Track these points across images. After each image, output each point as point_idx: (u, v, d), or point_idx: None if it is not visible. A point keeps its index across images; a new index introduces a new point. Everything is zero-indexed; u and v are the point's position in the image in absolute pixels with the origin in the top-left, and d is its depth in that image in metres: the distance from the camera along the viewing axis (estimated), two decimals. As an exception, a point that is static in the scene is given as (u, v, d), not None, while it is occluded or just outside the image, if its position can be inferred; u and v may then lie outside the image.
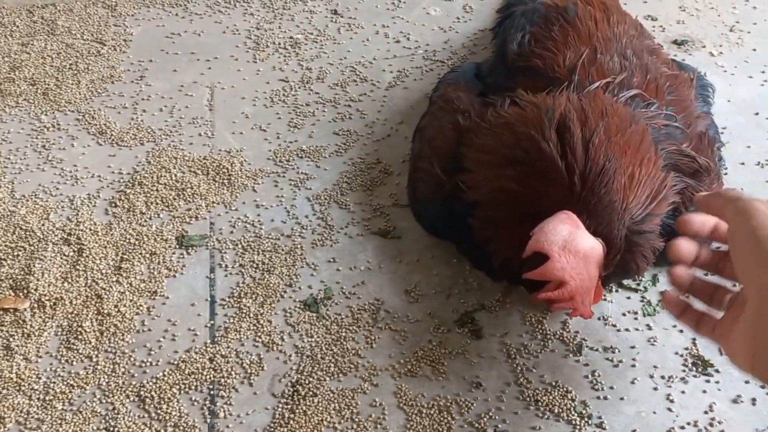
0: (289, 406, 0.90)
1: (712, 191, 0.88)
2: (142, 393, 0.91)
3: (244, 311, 1.00)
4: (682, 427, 0.87)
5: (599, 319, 0.98)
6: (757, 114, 1.26)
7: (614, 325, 0.98)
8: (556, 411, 0.89)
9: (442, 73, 1.36)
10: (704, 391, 0.91)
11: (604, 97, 0.95)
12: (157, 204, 1.14)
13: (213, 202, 1.15)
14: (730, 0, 1.51)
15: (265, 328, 0.98)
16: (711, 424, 0.87)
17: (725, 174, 1.14)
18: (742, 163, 1.18)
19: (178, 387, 0.92)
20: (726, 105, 1.28)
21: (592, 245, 0.83)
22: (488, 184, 0.94)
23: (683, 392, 0.91)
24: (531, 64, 1.08)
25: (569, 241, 0.81)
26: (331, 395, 0.91)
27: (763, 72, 1.34)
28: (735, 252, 0.69)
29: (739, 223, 0.67)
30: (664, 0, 1.52)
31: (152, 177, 1.18)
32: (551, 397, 0.90)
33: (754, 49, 1.39)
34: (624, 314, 0.99)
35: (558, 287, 0.82)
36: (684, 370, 0.93)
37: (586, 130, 0.89)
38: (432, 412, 0.89)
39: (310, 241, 1.09)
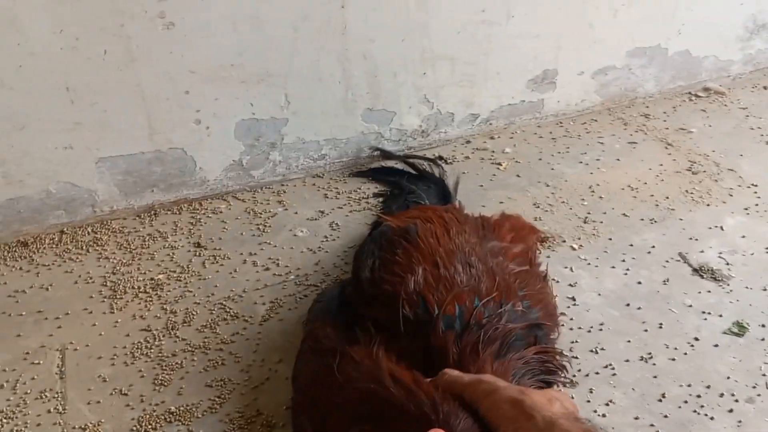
0: None
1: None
2: None
3: None
4: None
5: None
6: (628, 305, 1.29)
7: None
8: None
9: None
10: None
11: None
12: None
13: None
14: (578, 192, 1.61)
15: None
16: None
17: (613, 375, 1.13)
18: (627, 360, 1.18)
19: None
20: (597, 299, 1.31)
21: None
22: None
23: None
24: (383, 291, 1.06)
25: None
26: None
27: (623, 261, 1.40)
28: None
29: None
30: (519, 200, 1.59)
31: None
32: None
33: (610, 239, 1.46)
34: None
35: None
36: None
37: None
38: None
39: None
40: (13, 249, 1.44)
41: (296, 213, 1.57)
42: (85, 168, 1.44)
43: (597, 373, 1.15)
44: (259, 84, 1.52)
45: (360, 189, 1.65)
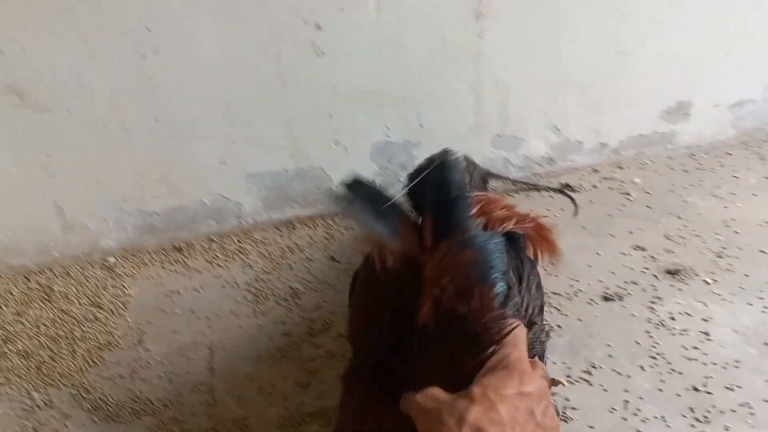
0: None
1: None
2: None
3: None
4: None
5: None
6: (766, 343, 1.25)
7: None
8: None
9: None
10: None
11: None
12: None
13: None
14: (712, 226, 1.58)
15: None
16: None
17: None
18: (766, 400, 1.14)
19: None
20: (733, 335, 1.27)
21: None
22: None
23: None
24: None
25: None
26: None
27: (761, 297, 1.36)
28: None
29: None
30: (649, 230, 1.58)
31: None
32: None
33: (746, 275, 1.42)
34: None
35: None
36: None
37: None
38: None
39: None
40: (169, 253, 1.58)
41: (424, 233, 1.63)
42: (235, 182, 1.57)
43: (733, 410, 1.13)
44: (396, 107, 1.60)
45: (486, 212, 1.68)
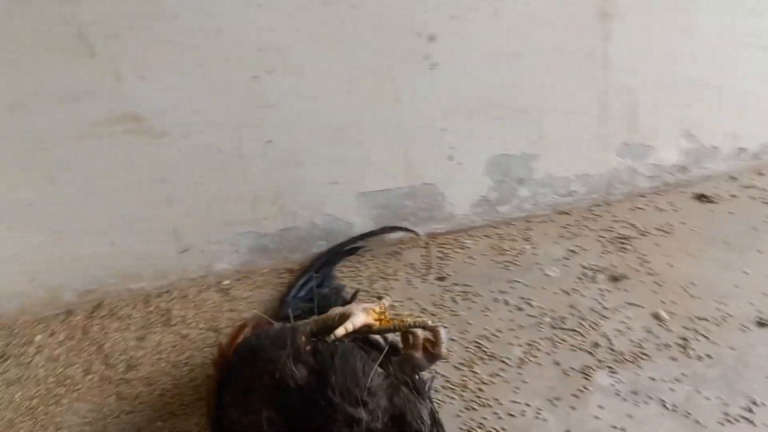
0: None
1: None
2: None
3: None
4: None
5: None
6: None
7: None
8: None
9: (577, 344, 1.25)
10: None
11: None
12: None
13: None
14: None
15: None
16: None
17: None
18: None
19: None
20: None
21: None
22: None
23: None
24: None
25: None
26: None
27: None
28: None
29: None
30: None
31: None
32: None
33: None
34: None
35: None
36: None
37: None
38: None
39: None
40: (282, 275, 1.55)
41: (544, 251, 1.53)
42: (346, 202, 1.53)
43: None
44: (513, 119, 1.51)
45: (612, 228, 1.57)
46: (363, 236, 1.57)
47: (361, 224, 1.56)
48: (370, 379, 0.96)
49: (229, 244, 1.52)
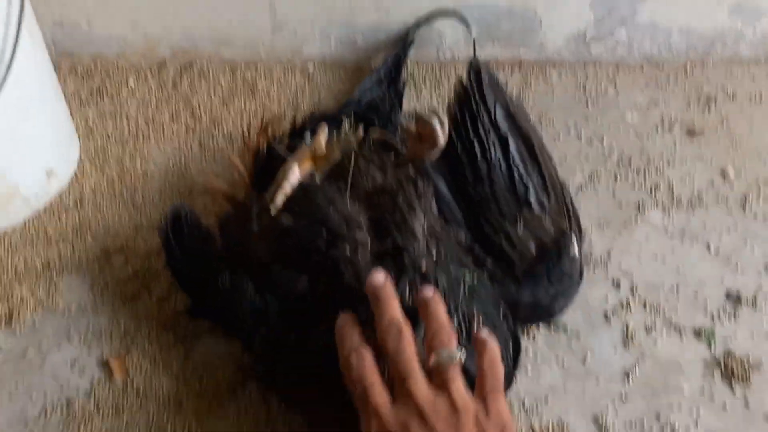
0: None
1: None
2: None
3: None
4: None
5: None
6: None
7: None
8: None
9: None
10: None
11: None
12: None
13: None
14: None
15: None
16: None
17: None
18: None
19: None
20: None
21: None
22: None
23: None
24: None
25: None
26: None
27: None
28: None
29: None
30: None
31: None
32: None
33: None
34: None
35: None
36: None
37: None
38: None
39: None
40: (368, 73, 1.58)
41: (627, 97, 1.52)
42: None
43: None
44: (630, -47, 1.44)
45: (701, 88, 1.53)
46: (418, 24, 1.52)
47: (452, 36, 1.56)
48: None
49: (320, 30, 1.55)
